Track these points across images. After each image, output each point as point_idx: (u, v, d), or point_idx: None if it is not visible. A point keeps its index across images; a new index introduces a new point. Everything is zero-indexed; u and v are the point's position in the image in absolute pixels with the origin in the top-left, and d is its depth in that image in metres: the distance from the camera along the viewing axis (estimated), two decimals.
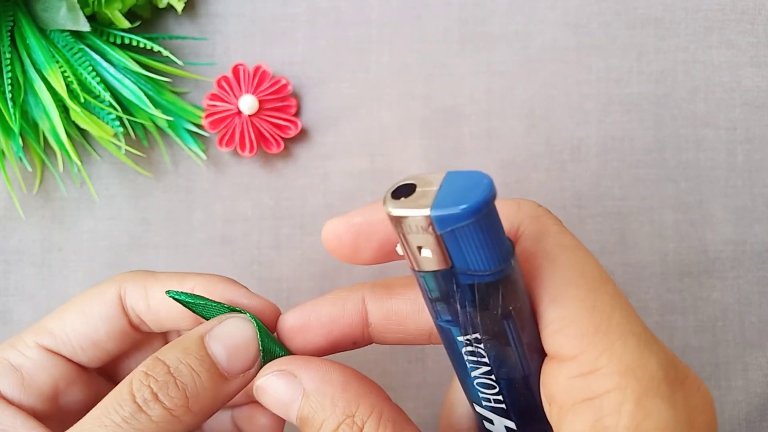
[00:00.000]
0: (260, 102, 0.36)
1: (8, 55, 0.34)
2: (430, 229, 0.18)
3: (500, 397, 0.22)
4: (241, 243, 0.38)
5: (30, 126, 0.35)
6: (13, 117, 0.34)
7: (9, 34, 0.35)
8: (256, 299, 0.25)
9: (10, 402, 0.24)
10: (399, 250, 0.20)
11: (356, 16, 0.38)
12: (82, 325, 0.25)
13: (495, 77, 0.38)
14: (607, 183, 0.38)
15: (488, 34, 0.38)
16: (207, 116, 0.36)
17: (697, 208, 0.38)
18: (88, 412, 0.26)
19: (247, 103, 0.36)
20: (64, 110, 0.35)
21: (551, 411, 0.21)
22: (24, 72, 0.35)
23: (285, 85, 0.37)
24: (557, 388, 0.20)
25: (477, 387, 0.22)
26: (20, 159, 0.35)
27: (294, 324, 0.24)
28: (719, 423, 0.38)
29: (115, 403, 0.21)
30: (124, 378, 0.27)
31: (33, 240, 0.37)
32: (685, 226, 0.38)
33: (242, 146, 0.36)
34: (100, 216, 0.38)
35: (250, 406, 0.30)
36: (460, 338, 0.21)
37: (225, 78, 0.36)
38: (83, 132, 0.37)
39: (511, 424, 0.23)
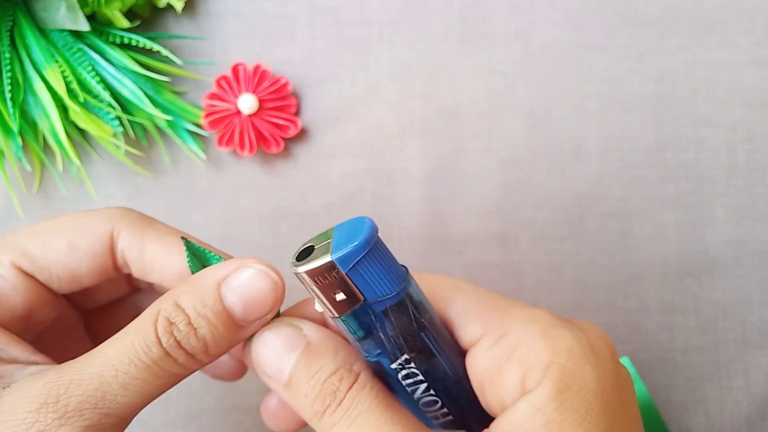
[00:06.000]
0: (260, 101, 0.36)
1: (8, 55, 0.34)
2: (336, 272, 0.21)
3: (445, 410, 0.25)
4: (241, 243, 0.37)
5: (29, 126, 0.35)
6: (12, 117, 0.34)
7: (8, 33, 0.35)
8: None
9: None
10: (318, 307, 0.23)
11: (356, 16, 0.38)
12: (67, 257, 0.25)
13: (495, 77, 0.38)
14: (607, 183, 0.38)
15: (488, 34, 0.38)
16: (206, 116, 0.36)
17: (697, 208, 0.38)
18: (52, 331, 0.27)
19: (247, 103, 0.36)
20: (63, 110, 0.35)
21: (487, 395, 0.24)
22: (23, 71, 0.34)
23: (285, 85, 0.37)
24: (484, 366, 0.24)
25: (423, 408, 0.25)
26: (19, 159, 0.35)
27: None
28: (720, 423, 0.38)
29: (143, 344, 0.22)
30: (88, 304, 0.28)
31: None
32: (686, 226, 0.38)
33: (242, 146, 0.36)
34: None
35: None
36: (393, 366, 0.23)
37: (224, 77, 0.36)
38: (82, 132, 0.37)
39: None
